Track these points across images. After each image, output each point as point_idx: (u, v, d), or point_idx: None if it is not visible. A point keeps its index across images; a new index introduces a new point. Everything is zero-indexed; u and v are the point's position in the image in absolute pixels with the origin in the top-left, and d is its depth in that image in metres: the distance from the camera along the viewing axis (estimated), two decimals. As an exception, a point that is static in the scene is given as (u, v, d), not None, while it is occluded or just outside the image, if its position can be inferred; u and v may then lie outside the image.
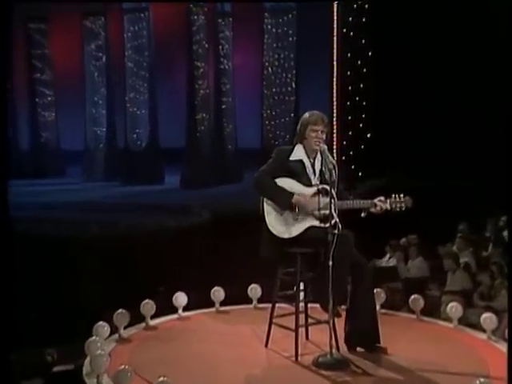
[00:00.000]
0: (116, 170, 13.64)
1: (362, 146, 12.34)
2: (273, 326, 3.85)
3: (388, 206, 3.64)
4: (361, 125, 12.32)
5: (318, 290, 3.62)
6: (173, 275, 6.01)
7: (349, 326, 3.76)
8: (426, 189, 9.53)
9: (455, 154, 10.89)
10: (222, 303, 4.75)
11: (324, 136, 3.74)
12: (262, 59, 13.22)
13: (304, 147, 3.77)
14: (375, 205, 3.66)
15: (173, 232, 7.89)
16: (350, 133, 12.44)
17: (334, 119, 12.40)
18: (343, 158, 12.41)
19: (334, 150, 12.48)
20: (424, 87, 11.12)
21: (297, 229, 3.68)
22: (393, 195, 3.67)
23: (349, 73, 12.32)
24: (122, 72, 13.12)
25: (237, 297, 4.82)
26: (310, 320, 3.91)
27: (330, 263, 3.43)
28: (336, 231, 3.50)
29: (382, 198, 3.67)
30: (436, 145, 11.03)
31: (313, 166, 3.78)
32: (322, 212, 3.63)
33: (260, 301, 4.74)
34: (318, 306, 3.69)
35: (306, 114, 3.79)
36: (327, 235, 3.48)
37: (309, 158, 3.77)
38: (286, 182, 3.71)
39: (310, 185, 3.73)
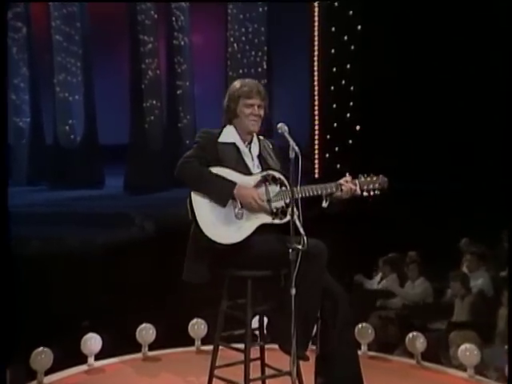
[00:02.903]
0: (43, 171, 13.34)
1: (350, 141, 12.11)
2: (215, 379, 3.40)
3: (358, 189, 3.40)
4: (348, 115, 12.10)
5: (277, 326, 3.31)
6: (89, 310, 5.42)
7: (320, 377, 3.38)
8: (427, 193, 9.56)
9: (463, 152, 10.68)
10: (153, 346, 4.32)
11: (262, 112, 3.45)
12: (226, 34, 13.00)
13: (236, 128, 3.49)
14: (340, 187, 3.38)
15: (102, 250, 7.38)
16: (335, 124, 12.24)
17: (316, 108, 12.28)
18: (327, 155, 12.28)
19: (316, 146, 12.44)
20: (424, 68, 10.93)
21: (243, 231, 3.30)
22: (363, 175, 3.45)
23: (333, 51, 12.08)
24: (49, 47, 12.79)
25: (174, 336, 4.49)
26: (267, 370, 3.49)
27: (293, 291, 3.06)
28: (300, 246, 3.10)
29: (349, 178, 3.42)
30: (439, 140, 10.86)
31: (249, 151, 3.50)
32: (274, 205, 3.35)
33: (205, 341, 4.40)
34: (277, 347, 3.31)
35: (236, 84, 3.49)
36: (288, 250, 3.09)
37: (243, 141, 3.49)
38: (220, 172, 3.37)
39: (249, 173, 3.43)
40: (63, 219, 10.38)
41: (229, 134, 3.45)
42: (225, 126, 3.49)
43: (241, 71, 12.85)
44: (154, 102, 12.65)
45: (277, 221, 3.31)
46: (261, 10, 12.87)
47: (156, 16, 12.59)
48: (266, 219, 3.31)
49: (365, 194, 3.42)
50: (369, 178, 3.42)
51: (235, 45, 12.91)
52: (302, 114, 12.44)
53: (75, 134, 12.98)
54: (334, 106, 12.12)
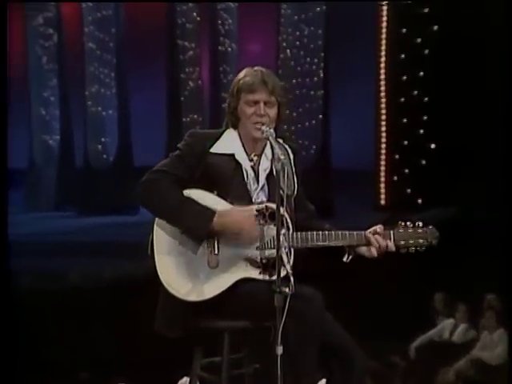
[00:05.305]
0: (71, 194, 13.41)
1: (423, 161, 11.83)
2: None
3: (392, 245, 2.91)
4: (421, 131, 11.86)
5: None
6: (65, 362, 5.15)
7: None
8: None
9: None
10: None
11: (273, 112, 2.99)
12: (278, 38, 12.72)
13: (239, 134, 3.06)
14: (367, 240, 2.91)
15: (110, 285, 7.19)
16: (406, 142, 11.99)
17: (382, 123, 12.05)
18: (395, 178, 12.06)
19: (382, 167, 12.19)
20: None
21: (216, 285, 2.91)
22: (402, 223, 2.96)
23: (403, 56, 11.86)
24: (81, 56, 12.86)
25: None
26: None
27: (280, 349, 2.69)
28: (287, 290, 2.72)
29: (380, 228, 2.94)
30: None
31: (255, 167, 3.04)
32: (267, 253, 2.90)
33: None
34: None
35: (239, 75, 3.09)
36: (272, 296, 2.73)
37: (247, 152, 3.04)
38: (199, 198, 2.98)
39: (248, 201, 2.99)
40: (91, 249, 10.42)
41: (228, 142, 3.02)
42: (226, 130, 3.07)
43: (294, 80, 12.52)
44: (195, 116, 12.56)
45: (264, 277, 2.89)
46: (318, 9, 12.46)
47: (199, 18, 12.56)
48: (250, 273, 2.90)
49: (402, 251, 2.95)
50: (410, 230, 2.94)
51: (288, 50, 12.59)
52: (365, 129, 12.19)
53: (108, 154, 12.98)
54: (404, 120, 11.87)
